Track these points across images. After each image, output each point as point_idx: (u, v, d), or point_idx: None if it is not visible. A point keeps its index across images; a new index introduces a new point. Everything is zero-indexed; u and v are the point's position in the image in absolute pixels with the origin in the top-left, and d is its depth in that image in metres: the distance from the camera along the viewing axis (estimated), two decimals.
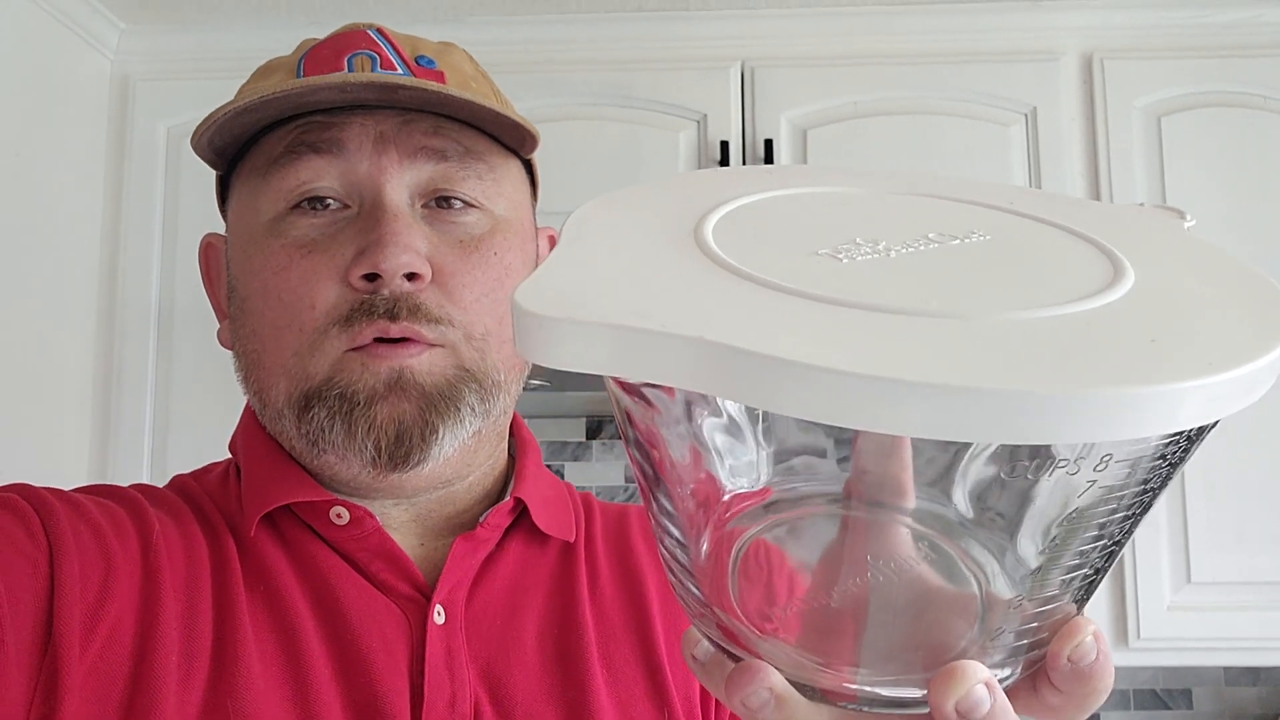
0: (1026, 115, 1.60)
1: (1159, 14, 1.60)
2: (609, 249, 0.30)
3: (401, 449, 0.54)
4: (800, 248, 0.30)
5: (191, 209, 1.61)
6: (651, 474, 0.31)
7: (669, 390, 0.28)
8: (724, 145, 1.58)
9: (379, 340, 0.54)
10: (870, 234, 0.31)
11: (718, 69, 1.63)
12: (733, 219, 0.32)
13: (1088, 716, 0.32)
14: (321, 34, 0.62)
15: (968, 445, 0.27)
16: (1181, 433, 0.27)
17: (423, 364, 0.54)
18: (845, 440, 0.29)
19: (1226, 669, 1.82)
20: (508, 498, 0.60)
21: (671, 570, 0.33)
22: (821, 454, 0.29)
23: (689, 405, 0.29)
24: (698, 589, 0.32)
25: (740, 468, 0.30)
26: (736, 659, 0.31)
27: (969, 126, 1.60)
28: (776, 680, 0.29)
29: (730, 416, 0.29)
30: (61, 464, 1.53)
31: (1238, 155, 1.57)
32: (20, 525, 0.50)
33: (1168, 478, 0.29)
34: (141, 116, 1.64)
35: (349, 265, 0.54)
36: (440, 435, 0.54)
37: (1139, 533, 1.49)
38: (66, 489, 0.56)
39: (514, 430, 0.66)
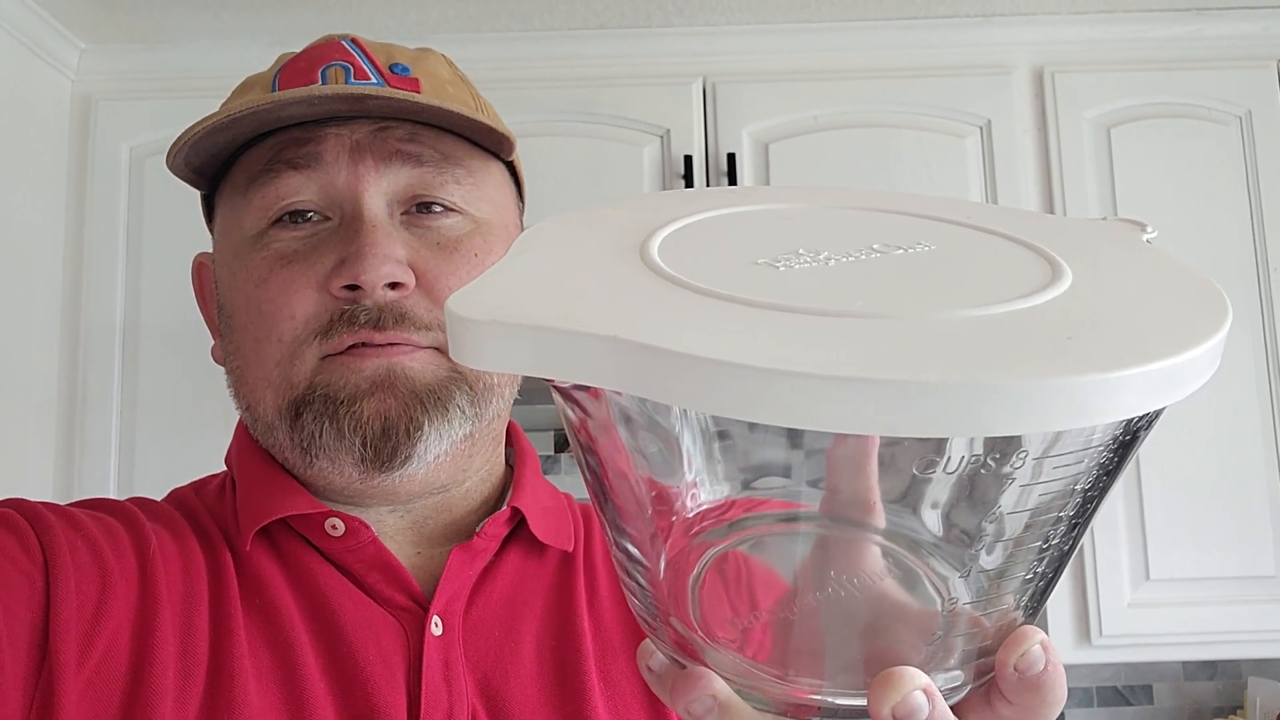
0: (981, 127, 1.64)
1: (1104, 29, 1.66)
2: (551, 260, 0.30)
3: (388, 444, 0.53)
4: (741, 258, 0.30)
5: (155, 228, 1.60)
6: (598, 486, 0.31)
7: (594, 392, 0.28)
8: (687, 160, 1.60)
9: (361, 345, 0.53)
10: (814, 245, 0.31)
11: (680, 85, 1.65)
12: (681, 234, 0.32)
13: None
14: (284, 51, 0.62)
15: (932, 462, 0.27)
16: (1111, 436, 0.27)
17: (416, 362, 0.54)
18: (815, 455, 0.29)
19: (1185, 664, 1.86)
20: (504, 507, 0.59)
21: (625, 584, 0.33)
22: (791, 471, 0.29)
23: (628, 416, 0.29)
24: (652, 600, 0.32)
25: (696, 482, 0.30)
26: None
27: (926, 139, 1.63)
28: (720, 687, 0.30)
29: (685, 430, 0.29)
30: (26, 484, 1.51)
31: (1183, 163, 1.62)
32: (16, 541, 0.49)
33: (1101, 481, 0.29)
34: (103, 136, 1.63)
35: (329, 275, 0.54)
36: (426, 433, 0.54)
37: (1099, 532, 1.53)
38: (63, 504, 0.56)
39: (513, 439, 0.66)
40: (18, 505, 0.53)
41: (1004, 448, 0.26)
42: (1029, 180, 1.63)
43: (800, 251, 0.31)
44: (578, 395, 0.29)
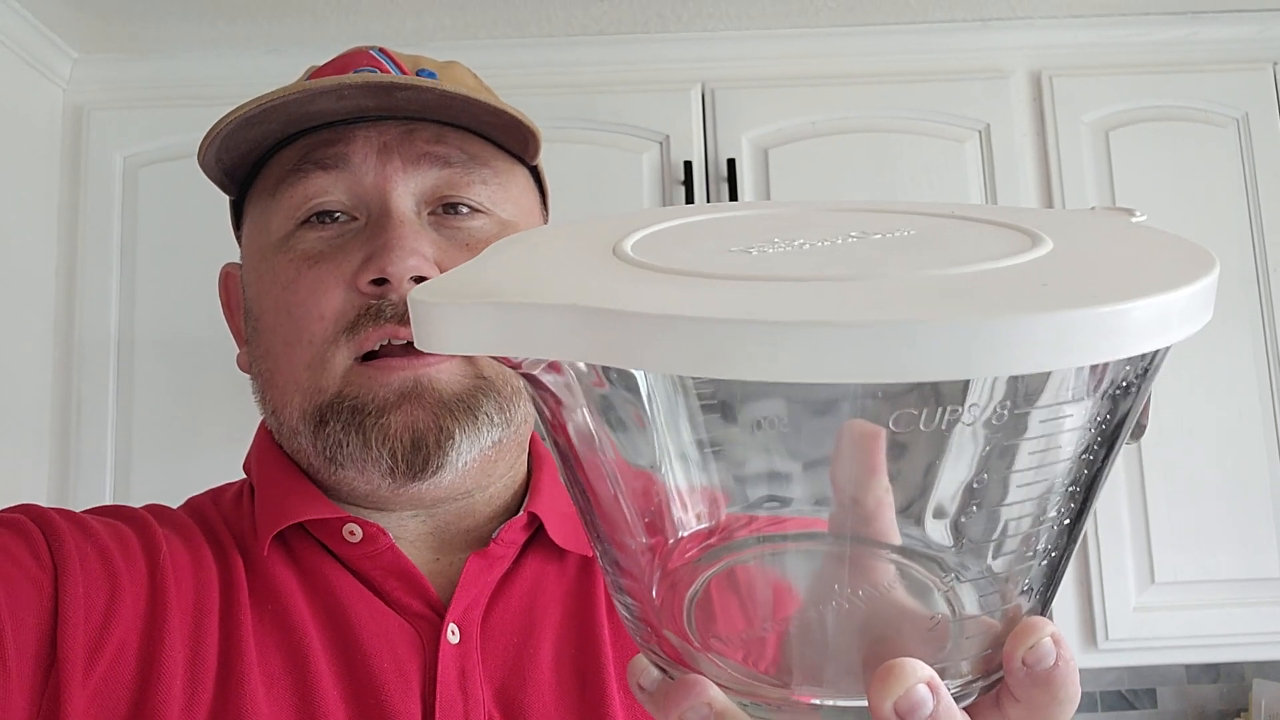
0: (980, 132, 1.64)
1: (1101, 32, 1.66)
2: (519, 257, 0.30)
3: (419, 456, 0.53)
4: (715, 249, 0.30)
5: (149, 238, 1.58)
6: (581, 493, 0.30)
7: (558, 368, 0.28)
8: (687, 165, 1.60)
9: (388, 349, 0.53)
10: (791, 236, 0.31)
11: (679, 91, 1.64)
12: (658, 234, 0.32)
13: None
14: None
15: (910, 416, 0.26)
16: (1099, 390, 0.26)
17: (442, 372, 0.54)
18: (818, 465, 0.28)
19: (1189, 667, 1.86)
20: (521, 513, 0.59)
21: (613, 594, 0.32)
22: (793, 488, 0.28)
23: (607, 409, 0.28)
24: (643, 610, 0.31)
25: (690, 493, 0.29)
26: None
27: (925, 144, 1.63)
28: (716, 695, 0.28)
29: (667, 428, 0.28)
30: (20, 500, 1.48)
31: (1181, 166, 1.62)
32: (25, 546, 0.49)
33: (1095, 445, 0.28)
34: (96, 146, 1.61)
35: (356, 271, 0.54)
36: (458, 441, 0.53)
37: (1104, 536, 1.52)
38: (76, 510, 0.55)
39: (530, 446, 0.65)
40: (28, 510, 0.52)
41: (985, 400, 0.25)
42: (1028, 184, 1.63)
43: (776, 240, 0.30)
44: (549, 381, 0.28)
